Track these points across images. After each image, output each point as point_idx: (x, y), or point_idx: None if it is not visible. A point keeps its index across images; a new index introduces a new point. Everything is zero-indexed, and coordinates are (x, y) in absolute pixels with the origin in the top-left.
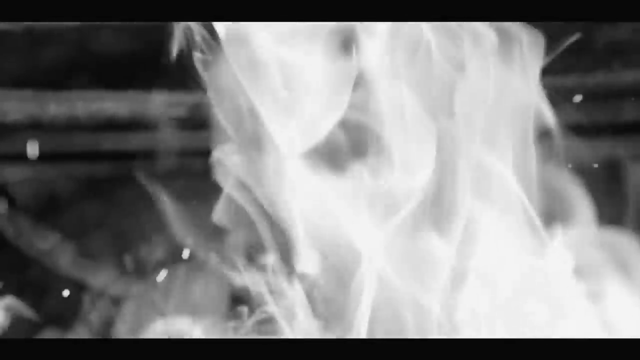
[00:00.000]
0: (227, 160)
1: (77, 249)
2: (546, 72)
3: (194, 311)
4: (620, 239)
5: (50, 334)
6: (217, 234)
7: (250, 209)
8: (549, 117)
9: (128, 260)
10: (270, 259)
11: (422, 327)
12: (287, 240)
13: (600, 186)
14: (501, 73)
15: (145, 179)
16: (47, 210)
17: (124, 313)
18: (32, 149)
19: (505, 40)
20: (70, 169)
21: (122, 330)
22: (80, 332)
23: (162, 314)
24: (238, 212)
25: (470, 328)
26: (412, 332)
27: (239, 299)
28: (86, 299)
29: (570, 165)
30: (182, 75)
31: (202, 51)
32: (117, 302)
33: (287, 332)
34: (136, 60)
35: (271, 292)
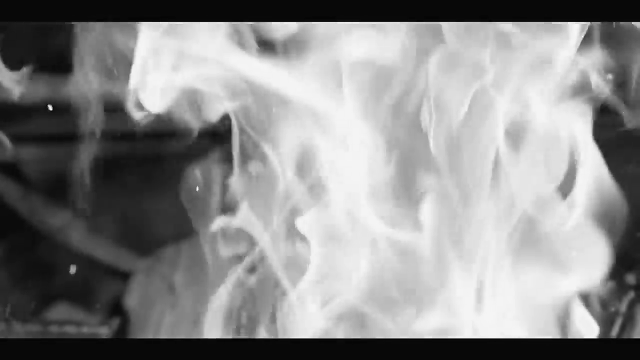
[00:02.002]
0: None
1: (88, 226)
2: None
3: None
4: None
5: (60, 310)
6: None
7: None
8: None
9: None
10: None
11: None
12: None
13: None
14: None
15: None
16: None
17: (132, 288)
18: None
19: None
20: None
21: (131, 305)
22: (89, 309)
23: (172, 288)
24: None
25: None
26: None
27: None
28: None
29: None
30: None
31: None
32: (126, 277)
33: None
34: None
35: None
